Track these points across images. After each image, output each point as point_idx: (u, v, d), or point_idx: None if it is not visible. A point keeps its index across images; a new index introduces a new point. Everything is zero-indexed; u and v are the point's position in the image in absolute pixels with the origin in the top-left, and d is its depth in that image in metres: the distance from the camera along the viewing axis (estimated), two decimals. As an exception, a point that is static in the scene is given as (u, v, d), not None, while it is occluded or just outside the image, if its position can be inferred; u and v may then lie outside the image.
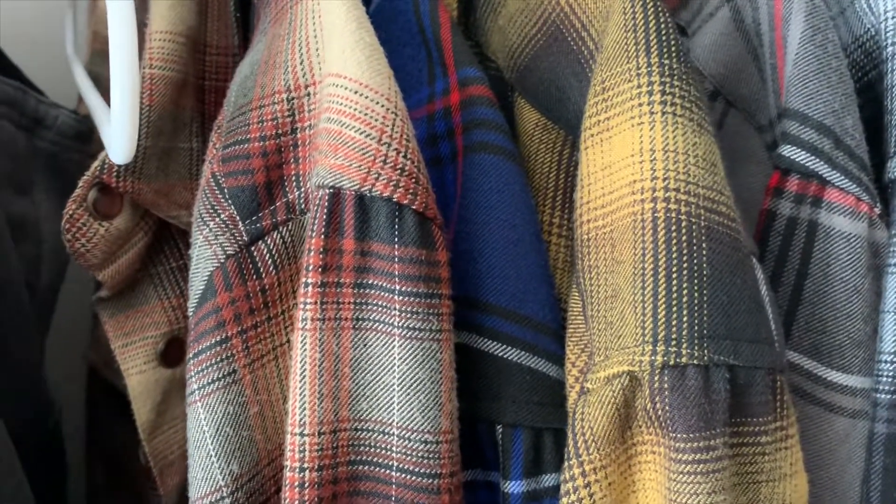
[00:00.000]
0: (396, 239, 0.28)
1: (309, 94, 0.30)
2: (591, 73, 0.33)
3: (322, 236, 0.28)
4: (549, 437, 0.32)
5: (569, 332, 0.31)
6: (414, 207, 0.28)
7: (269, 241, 0.31)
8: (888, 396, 0.32)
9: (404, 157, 0.28)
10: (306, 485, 0.28)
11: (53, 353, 0.63)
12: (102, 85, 0.50)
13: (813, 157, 0.33)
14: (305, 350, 0.28)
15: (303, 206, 0.31)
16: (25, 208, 0.54)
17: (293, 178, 0.31)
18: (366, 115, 0.28)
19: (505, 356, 0.32)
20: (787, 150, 0.33)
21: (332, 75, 0.29)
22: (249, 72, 0.32)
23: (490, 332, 0.32)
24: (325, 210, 0.28)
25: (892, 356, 0.32)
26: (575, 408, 0.29)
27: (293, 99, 0.31)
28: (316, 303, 0.28)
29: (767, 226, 0.34)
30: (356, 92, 0.28)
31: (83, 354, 0.65)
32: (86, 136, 0.56)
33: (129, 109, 0.28)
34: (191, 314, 0.31)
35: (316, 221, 0.28)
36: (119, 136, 0.29)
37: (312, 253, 0.28)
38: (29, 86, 0.55)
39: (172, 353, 0.41)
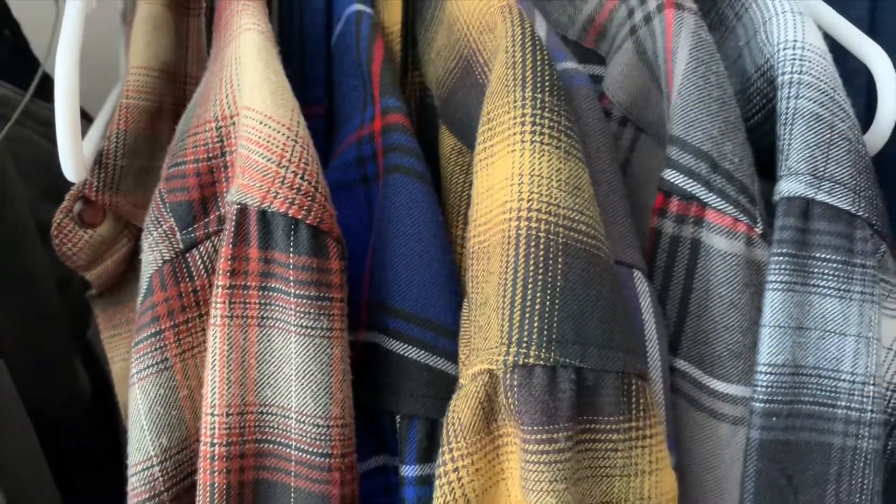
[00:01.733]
0: (291, 249, 0.33)
1: (234, 123, 0.35)
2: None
3: (231, 245, 0.33)
4: (443, 428, 0.36)
5: (460, 334, 0.35)
6: (308, 221, 0.33)
7: (201, 249, 0.36)
8: (762, 405, 0.35)
9: (301, 178, 0.33)
10: (216, 457, 0.33)
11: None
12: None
13: (690, 181, 0.35)
14: (216, 343, 0.33)
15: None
16: None
17: (224, 195, 0.36)
18: (268, 142, 0.33)
19: (406, 354, 0.36)
20: (669, 174, 0.36)
21: (245, 108, 0.34)
22: (193, 104, 0.38)
23: (394, 333, 0.36)
24: (234, 223, 0.33)
25: (766, 367, 0.35)
26: (451, 402, 0.33)
27: (221, 127, 0.36)
28: (225, 302, 0.33)
29: (655, 243, 0.37)
30: (261, 122, 0.33)
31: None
32: None
33: (69, 136, 0.34)
34: (136, 310, 0.36)
35: (226, 232, 0.33)
36: (64, 159, 0.35)
37: (223, 259, 0.33)
38: None
39: None
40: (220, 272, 0.33)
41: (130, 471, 0.35)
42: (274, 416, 0.34)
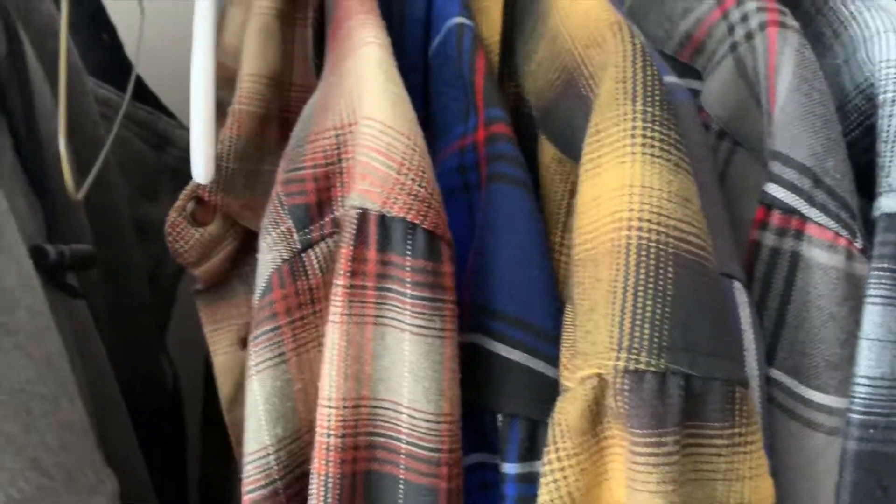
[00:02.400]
0: (409, 252, 0.34)
1: (351, 132, 0.37)
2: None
3: (352, 247, 0.35)
4: (543, 429, 0.37)
5: (563, 339, 0.37)
6: (424, 227, 0.34)
7: (316, 250, 0.38)
8: (859, 417, 0.35)
9: (419, 185, 0.35)
10: (331, 448, 0.35)
11: (177, 341, 0.74)
12: (222, 109, 0.60)
13: (792, 195, 0.36)
14: (335, 339, 0.35)
15: (343, 221, 0.38)
16: (153, 213, 0.65)
17: (338, 199, 0.38)
18: (388, 150, 0.35)
19: (509, 357, 0.37)
20: (771, 188, 0.37)
21: (365, 118, 0.36)
22: (309, 111, 0.40)
23: (498, 336, 0.37)
24: (355, 226, 0.35)
25: (865, 379, 0.35)
26: (556, 404, 0.34)
27: (339, 135, 0.37)
28: (344, 301, 0.35)
29: (754, 255, 0.38)
30: (382, 132, 0.35)
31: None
32: None
33: (204, 139, 0.36)
34: (254, 306, 0.38)
35: (347, 235, 0.35)
36: (196, 161, 0.37)
37: (343, 260, 0.35)
38: (162, 109, 0.66)
39: None
40: (341, 272, 0.35)
41: (246, 459, 0.37)
42: (386, 411, 0.36)
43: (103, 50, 0.62)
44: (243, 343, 0.49)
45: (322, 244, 0.38)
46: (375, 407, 0.36)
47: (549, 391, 0.37)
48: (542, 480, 0.34)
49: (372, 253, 0.35)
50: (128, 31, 0.64)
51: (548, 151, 0.41)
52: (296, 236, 0.38)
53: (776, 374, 0.38)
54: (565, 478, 0.33)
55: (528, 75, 0.44)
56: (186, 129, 0.65)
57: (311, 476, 0.36)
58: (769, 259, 0.37)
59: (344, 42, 0.39)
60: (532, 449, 0.37)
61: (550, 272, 0.39)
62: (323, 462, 0.35)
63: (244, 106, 0.43)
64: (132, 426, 0.52)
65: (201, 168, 0.37)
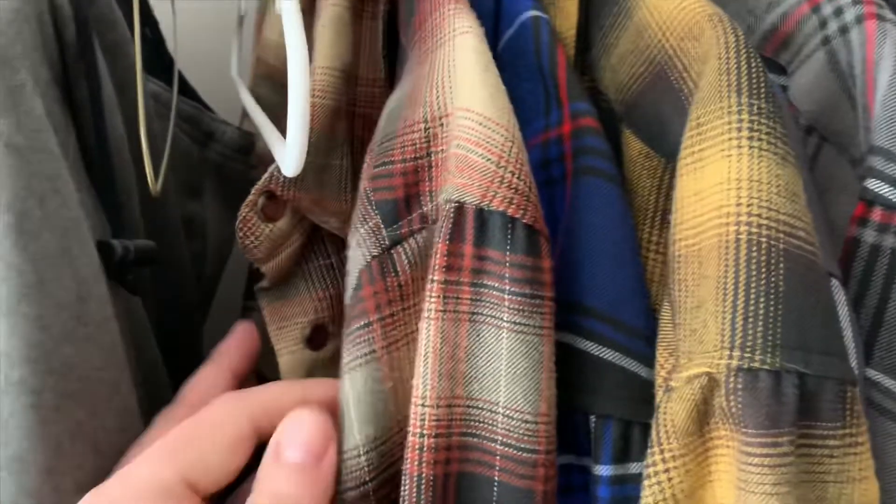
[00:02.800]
0: (508, 247, 0.33)
1: (442, 125, 0.36)
2: (689, 108, 0.37)
3: (447, 241, 0.34)
4: (636, 430, 0.36)
5: (659, 338, 0.36)
6: (524, 221, 0.34)
7: (405, 246, 0.37)
8: (964, 417, 0.35)
9: (518, 178, 0.34)
10: (425, 448, 0.34)
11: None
12: (263, 104, 0.59)
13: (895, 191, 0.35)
14: (429, 336, 0.34)
15: (434, 216, 0.37)
16: (196, 210, 0.64)
17: (427, 193, 0.37)
18: (487, 142, 0.34)
19: (601, 355, 0.36)
20: (872, 184, 0.36)
21: (462, 109, 0.35)
22: (396, 105, 0.39)
23: (589, 334, 0.37)
24: (451, 220, 0.34)
25: (970, 379, 0.35)
26: (660, 403, 0.33)
27: (429, 129, 0.36)
28: (439, 297, 0.34)
29: (852, 252, 0.37)
30: (480, 123, 0.34)
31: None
32: (247, 149, 0.65)
33: (300, 133, 0.35)
34: (347, 303, 0.37)
35: (442, 229, 0.34)
36: (291, 154, 0.36)
37: (438, 255, 0.34)
38: (203, 105, 0.65)
39: (316, 337, 0.48)
40: (436, 267, 0.34)
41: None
42: (480, 411, 0.35)
43: (146, 44, 0.61)
44: (308, 342, 0.48)
45: (411, 240, 0.37)
46: (469, 407, 0.35)
47: (642, 391, 0.36)
48: (646, 482, 0.33)
49: (468, 248, 0.34)
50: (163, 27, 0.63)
51: (633, 146, 0.40)
52: (384, 232, 0.37)
53: (872, 373, 0.37)
54: (670, 479, 0.33)
55: (608, 69, 0.43)
56: (229, 125, 0.64)
57: (402, 477, 0.34)
58: (868, 256, 0.36)
59: (433, 33, 0.38)
60: (626, 450, 0.36)
61: (642, 269, 0.38)
62: (416, 463, 0.34)
63: (318, 99, 0.42)
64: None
65: (294, 161, 0.36)
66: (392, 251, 0.37)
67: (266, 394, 0.37)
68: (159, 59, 0.62)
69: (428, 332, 0.34)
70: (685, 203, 0.35)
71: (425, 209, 0.37)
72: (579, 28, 0.44)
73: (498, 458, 0.35)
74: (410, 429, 0.34)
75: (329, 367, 0.49)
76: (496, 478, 0.35)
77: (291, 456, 0.34)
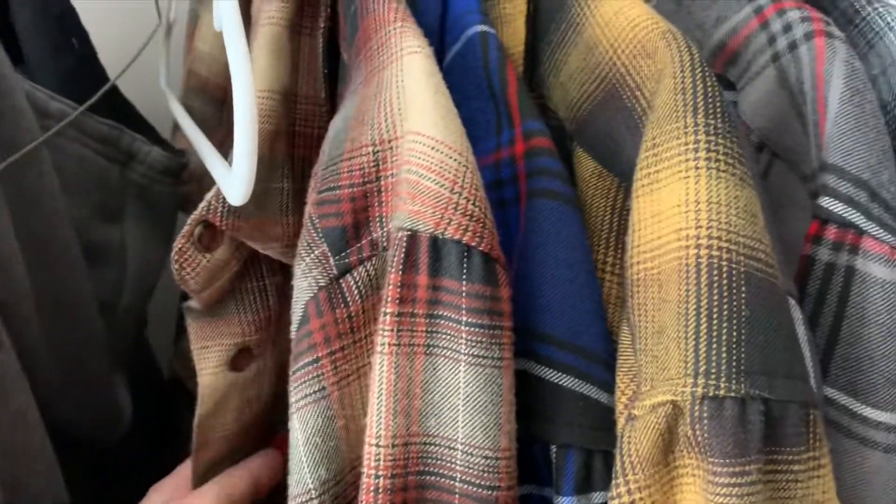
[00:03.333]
0: (464, 276, 0.32)
1: (392, 148, 0.35)
2: (643, 127, 0.36)
3: (400, 272, 0.32)
4: (598, 459, 0.35)
5: (619, 363, 0.35)
6: (481, 249, 0.32)
7: (355, 275, 0.35)
8: (921, 433, 0.35)
9: (473, 204, 0.32)
10: (380, 490, 0.32)
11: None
12: (196, 118, 0.56)
13: (849, 209, 0.35)
14: (383, 371, 0.32)
15: (384, 243, 0.35)
16: (111, 235, 0.59)
17: (377, 219, 0.35)
18: (440, 167, 0.32)
19: (560, 383, 0.35)
20: (826, 202, 0.36)
21: (413, 133, 0.33)
22: (342, 126, 0.37)
23: (547, 361, 0.35)
24: (403, 249, 0.32)
25: (925, 395, 0.35)
26: (623, 432, 0.32)
27: (378, 151, 0.35)
28: (393, 330, 0.32)
29: (807, 270, 0.37)
30: (432, 148, 0.32)
31: (167, 366, 0.71)
32: (175, 172, 0.62)
33: (248, 161, 0.32)
34: (292, 337, 0.35)
35: (395, 259, 0.32)
36: (238, 182, 0.34)
37: (391, 286, 0.32)
38: (138, 122, 0.61)
39: (239, 360, 0.45)
40: (388, 299, 0.32)
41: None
42: (437, 448, 0.33)
43: (72, 57, 0.58)
44: (231, 364, 0.45)
45: (360, 268, 0.35)
46: (427, 444, 0.33)
47: (603, 418, 0.35)
48: None
49: (423, 278, 0.32)
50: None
51: (586, 165, 0.39)
52: (332, 261, 0.35)
53: (829, 391, 0.37)
54: None
55: (557, 87, 0.42)
56: (154, 146, 0.61)
57: (357, 521, 0.33)
58: (823, 275, 0.36)
59: (378, 52, 0.36)
60: (588, 479, 0.35)
61: (599, 292, 0.37)
62: (372, 505, 0.32)
63: (260, 124, 0.40)
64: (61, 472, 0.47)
65: (241, 191, 0.34)
66: (341, 280, 0.35)
67: None
68: (89, 74, 0.58)
69: (381, 367, 0.32)
70: (643, 225, 0.34)
71: (375, 235, 0.35)
72: (527, 44, 0.43)
73: (457, 496, 0.33)
74: (365, 469, 0.32)
75: (248, 387, 0.46)
76: (456, 517, 0.33)
77: None
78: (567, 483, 0.35)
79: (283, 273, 0.45)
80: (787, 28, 0.38)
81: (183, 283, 0.41)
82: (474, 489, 0.33)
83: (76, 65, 0.58)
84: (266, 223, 0.42)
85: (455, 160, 0.32)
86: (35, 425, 0.45)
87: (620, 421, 0.34)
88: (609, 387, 0.36)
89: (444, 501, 0.33)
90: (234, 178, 0.33)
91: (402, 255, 0.32)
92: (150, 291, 0.61)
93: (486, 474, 0.32)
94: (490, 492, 0.33)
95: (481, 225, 0.32)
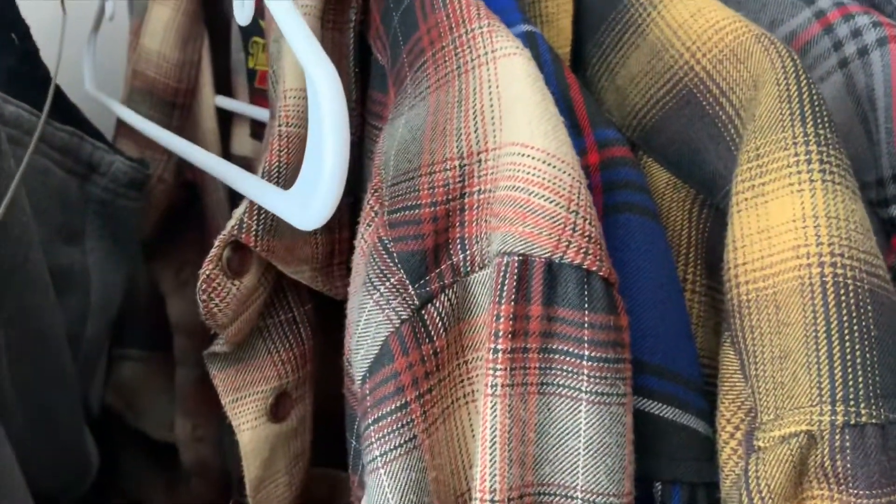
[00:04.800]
0: (587, 305, 0.29)
1: (480, 161, 0.31)
2: (728, 136, 0.34)
3: (512, 303, 0.29)
4: (701, 492, 0.33)
5: (723, 389, 0.32)
6: (601, 274, 0.29)
7: (437, 304, 0.31)
8: None
9: (590, 224, 0.29)
10: (497, 551, 0.28)
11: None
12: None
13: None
14: (496, 416, 0.29)
15: (468, 268, 0.31)
16: (73, 258, 0.52)
17: (458, 241, 0.31)
18: (554, 183, 0.29)
19: (662, 414, 0.33)
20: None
21: (518, 144, 0.29)
22: (410, 137, 0.32)
23: (645, 391, 0.33)
24: (515, 276, 0.29)
25: None
26: (749, 465, 0.30)
27: (465, 165, 0.31)
28: (506, 369, 0.29)
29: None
30: (544, 162, 0.29)
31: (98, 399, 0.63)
32: (139, 184, 0.55)
33: (338, 176, 0.27)
34: (360, 379, 0.31)
35: (505, 288, 0.29)
36: (322, 202, 0.28)
37: (502, 319, 0.29)
38: (87, 128, 0.53)
39: (280, 407, 0.40)
40: (499, 334, 0.29)
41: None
42: (553, 497, 0.30)
43: (12, 55, 0.49)
44: (272, 413, 0.40)
45: (442, 297, 0.31)
46: (541, 494, 0.30)
47: (703, 449, 0.33)
48: None
49: (536, 308, 0.29)
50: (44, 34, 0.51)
51: (659, 176, 0.37)
52: (411, 290, 0.31)
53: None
54: None
55: (611, 91, 0.39)
56: (118, 155, 0.53)
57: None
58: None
59: (457, 54, 0.32)
60: (694, 516, 0.33)
61: (687, 314, 0.34)
62: (486, 570, 0.28)
63: (292, 128, 0.35)
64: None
65: (324, 208, 0.28)
66: (423, 312, 0.31)
67: None
68: (30, 74, 0.50)
69: (494, 412, 0.29)
70: (748, 241, 0.32)
71: (455, 260, 0.31)
72: (572, 45, 0.40)
73: (575, 548, 0.30)
74: (477, 529, 0.29)
75: (293, 439, 0.42)
76: (575, 572, 0.30)
77: None
78: None
79: (312, 302, 0.40)
80: (856, 33, 0.37)
81: (210, 317, 0.36)
82: None
83: (17, 62, 0.50)
84: (295, 243, 0.37)
85: (569, 175, 0.29)
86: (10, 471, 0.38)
87: (725, 451, 0.32)
88: (705, 415, 0.33)
89: (559, 556, 0.30)
90: (318, 196, 0.28)
91: (514, 283, 0.29)
92: (114, 321, 0.53)
93: None
94: None
95: (599, 247, 0.29)
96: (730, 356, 0.33)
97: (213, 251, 0.35)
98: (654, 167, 0.37)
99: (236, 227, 0.35)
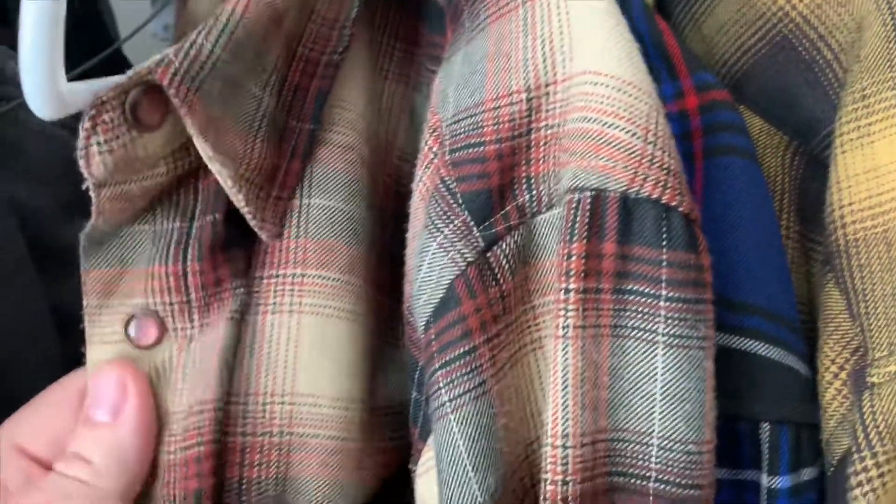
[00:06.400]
0: (665, 242, 0.27)
1: (548, 94, 0.30)
2: (826, 80, 0.33)
3: (584, 241, 0.27)
4: (805, 433, 0.31)
5: (828, 329, 0.31)
6: (681, 210, 0.27)
7: (503, 246, 0.30)
8: None
9: (669, 156, 0.27)
10: (569, 499, 0.27)
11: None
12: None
13: None
14: (568, 359, 0.27)
15: (535, 208, 0.30)
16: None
17: (523, 180, 0.30)
18: (630, 112, 0.27)
19: (768, 355, 0.31)
20: None
21: (589, 73, 0.28)
22: (470, 71, 0.31)
23: (752, 332, 0.31)
24: (588, 213, 0.27)
25: None
26: (863, 401, 0.28)
27: (532, 98, 0.30)
28: (578, 310, 0.27)
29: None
30: (619, 90, 0.28)
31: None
32: None
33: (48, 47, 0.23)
34: (423, 325, 0.30)
35: (576, 225, 0.27)
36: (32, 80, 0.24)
37: (574, 258, 0.27)
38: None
39: (145, 331, 0.34)
40: (571, 273, 0.27)
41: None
42: (627, 444, 0.28)
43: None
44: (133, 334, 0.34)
45: (508, 238, 0.30)
46: (615, 440, 0.28)
47: (807, 391, 0.31)
48: (857, 491, 0.28)
49: (610, 246, 0.28)
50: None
51: (752, 122, 0.35)
52: (476, 232, 0.30)
53: None
54: (884, 484, 0.28)
55: (697, 41, 0.37)
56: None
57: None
58: None
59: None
60: (798, 457, 0.31)
61: (786, 257, 0.33)
62: (560, 518, 0.27)
63: None
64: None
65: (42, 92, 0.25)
66: (488, 254, 0.30)
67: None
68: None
69: (566, 355, 0.27)
70: (853, 182, 0.30)
71: (521, 200, 0.30)
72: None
73: (651, 498, 0.28)
74: (549, 475, 0.27)
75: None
76: (650, 524, 0.28)
77: (92, 416, 0.33)
78: (783, 462, 0.30)
79: (224, 227, 0.34)
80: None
81: (85, 162, 0.30)
82: (674, 489, 0.28)
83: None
84: (224, 125, 0.32)
85: (646, 103, 0.28)
86: None
87: (830, 392, 0.31)
88: (805, 356, 0.31)
89: (635, 506, 0.28)
90: (24, 74, 0.24)
91: (586, 220, 0.27)
92: None
93: (688, 471, 0.28)
94: (693, 491, 0.28)
95: (679, 181, 0.28)
96: (833, 296, 0.31)
97: (116, 83, 0.30)
98: (747, 114, 0.35)
99: (159, 62, 0.30)
